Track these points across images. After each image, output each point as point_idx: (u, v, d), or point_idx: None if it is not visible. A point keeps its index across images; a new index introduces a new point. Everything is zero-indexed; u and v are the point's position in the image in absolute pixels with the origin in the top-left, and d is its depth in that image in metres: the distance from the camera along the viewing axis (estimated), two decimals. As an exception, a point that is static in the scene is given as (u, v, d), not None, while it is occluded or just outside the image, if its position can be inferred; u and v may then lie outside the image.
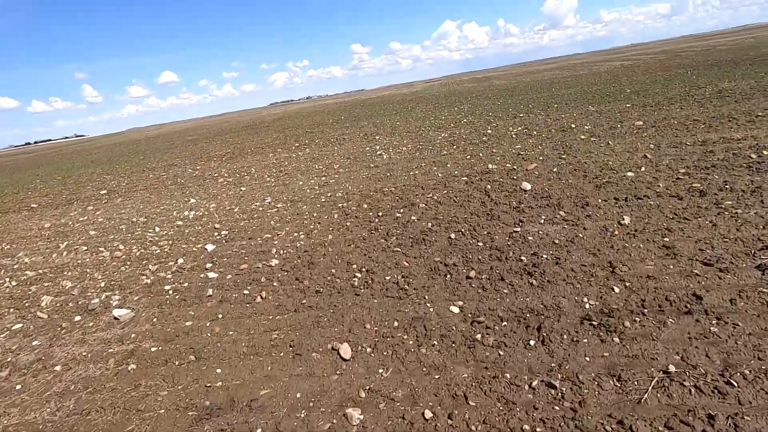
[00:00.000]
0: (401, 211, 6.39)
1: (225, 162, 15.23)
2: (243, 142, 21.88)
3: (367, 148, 12.67)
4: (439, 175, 8.10)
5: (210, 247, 6.38)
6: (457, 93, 34.99)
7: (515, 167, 7.71)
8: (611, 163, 6.94)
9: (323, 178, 9.56)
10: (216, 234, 6.96)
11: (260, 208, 8.02)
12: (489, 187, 6.78)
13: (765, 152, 6.26)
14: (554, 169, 7.14)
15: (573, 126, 10.86)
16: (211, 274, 5.36)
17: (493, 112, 16.92)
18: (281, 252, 5.67)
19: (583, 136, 9.44)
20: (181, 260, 6.08)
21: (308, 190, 8.72)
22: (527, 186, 6.42)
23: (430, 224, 5.64)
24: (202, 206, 9.04)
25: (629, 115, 11.27)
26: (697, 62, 27.02)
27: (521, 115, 14.75)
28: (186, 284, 5.22)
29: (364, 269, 4.67)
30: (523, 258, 4.23)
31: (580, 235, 4.51)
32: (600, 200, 5.44)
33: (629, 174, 6.24)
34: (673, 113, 10.61)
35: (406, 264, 4.58)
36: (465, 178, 7.55)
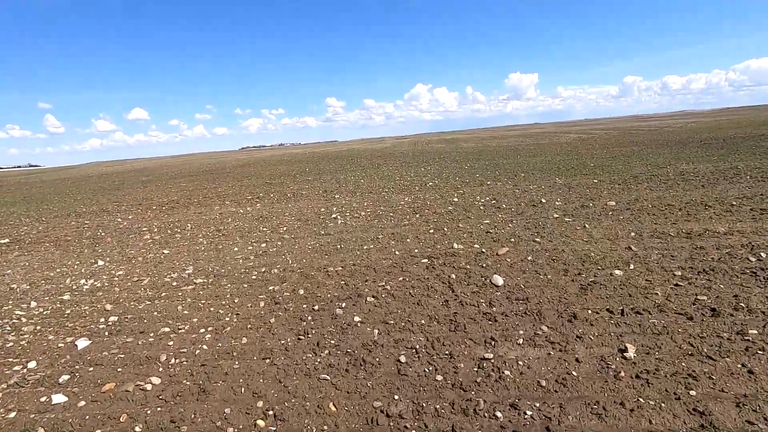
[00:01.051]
0: (343, 305, 5.05)
1: (164, 212, 13.55)
2: (195, 189, 20.24)
3: (323, 209, 11.45)
4: (397, 253, 6.91)
5: (82, 344, 4.73)
6: (425, 153, 35.19)
7: (484, 250, 6.64)
8: (593, 255, 5.99)
9: (264, 245, 8.15)
10: (101, 320, 5.30)
11: (174, 283, 6.45)
12: (454, 277, 5.61)
13: (763, 255, 5.49)
14: (529, 257, 6.11)
15: (543, 200, 10.15)
16: (57, 398, 3.72)
17: (460, 176, 16.34)
18: (171, 362, 4.13)
19: (555, 215, 8.64)
20: (33, 363, 4.39)
21: (241, 261, 7.26)
22: (499, 280, 5.28)
23: (376, 332, 4.31)
24: (106, 273, 7.34)
25: (599, 192, 10.75)
26: (648, 141, 28.39)
27: (489, 182, 14.15)
28: (12, 415, 3.55)
29: (271, 412, 3.22)
30: (498, 413, 2.94)
31: (574, 374, 3.31)
32: (590, 311, 4.34)
33: (617, 272, 5.26)
34: (643, 194, 10.15)
35: (333, 409, 3.17)
36: (426, 261, 6.38)
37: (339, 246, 7.62)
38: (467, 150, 34.36)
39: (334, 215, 10.41)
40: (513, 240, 7.08)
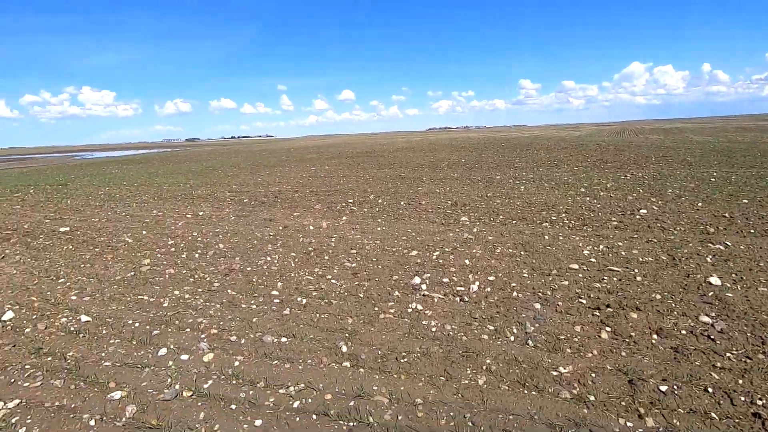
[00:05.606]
0: None
1: (180, 202, 10.64)
2: (284, 174, 17.48)
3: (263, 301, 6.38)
4: None
5: None
6: (633, 146, 25.31)
7: None
8: None
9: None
10: None
11: None
12: None
13: None
14: None
15: None
16: None
17: (709, 217, 8.52)
18: None
19: None
20: None
21: None
22: None
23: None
24: None
25: None
26: None
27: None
28: None
29: None
30: None
31: None
32: None
33: None
34: None
35: None
36: None
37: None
38: (703, 145, 22.99)
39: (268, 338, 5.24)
40: None
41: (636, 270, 5.17)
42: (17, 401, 3.20)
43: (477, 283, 5.01)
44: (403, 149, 34.77)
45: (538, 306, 4.34)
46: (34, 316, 4.77)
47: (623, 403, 2.84)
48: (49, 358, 3.83)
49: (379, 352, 3.60)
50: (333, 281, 5.33)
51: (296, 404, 3.01)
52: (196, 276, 5.83)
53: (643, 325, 3.88)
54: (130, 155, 58.94)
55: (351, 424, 2.78)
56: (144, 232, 8.63)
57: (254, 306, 4.70)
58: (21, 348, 4.05)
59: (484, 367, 3.32)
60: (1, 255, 7.50)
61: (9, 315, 4.81)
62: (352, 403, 2.97)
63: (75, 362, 3.73)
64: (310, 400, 3.04)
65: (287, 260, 6.33)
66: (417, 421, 2.78)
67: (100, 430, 2.85)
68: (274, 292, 5.04)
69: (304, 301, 4.77)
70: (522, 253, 6.09)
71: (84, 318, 4.61)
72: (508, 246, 6.44)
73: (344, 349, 3.68)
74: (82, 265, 6.63)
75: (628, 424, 2.66)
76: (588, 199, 9.63)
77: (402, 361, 3.46)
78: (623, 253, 5.83)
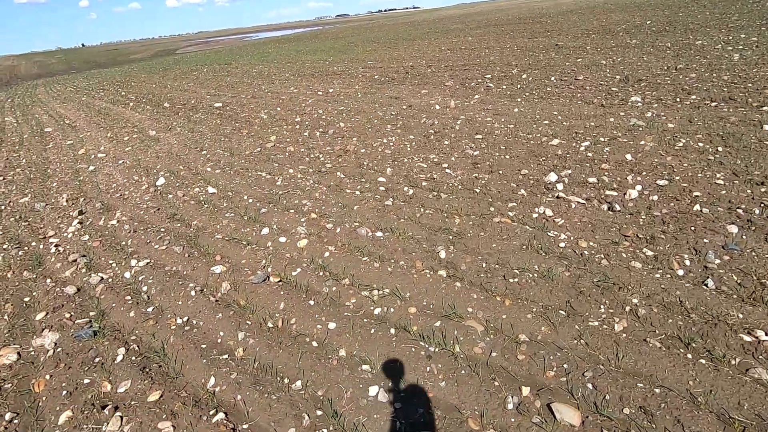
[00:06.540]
0: None
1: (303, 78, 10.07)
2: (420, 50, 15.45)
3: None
4: None
5: None
6: None
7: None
8: None
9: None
10: None
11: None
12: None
13: None
14: None
15: None
16: None
17: None
18: None
19: None
20: None
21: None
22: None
23: None
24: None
25: None
26: None
27: None
28: None
29: None
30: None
31: None
32: None
33: None
34: None
35: None
36: None
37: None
38: None
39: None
40: None
41: None
42: (147, 260, 3.58)
43: (639, 187, 3.70)
44: (567, 12, 28.39)
45: (733, 230, 2.97)
46: (177, 184, 5.31)
47: None
48: (178, 224, 4.20)
49: (484, 265, 2.93)
50: (448, 171, 4.60)
51: (377, 311, 2.66)
52: (312, 155, 5.71)
53: None
54: (286, 35, 62.12)
55: (432, 349, 2.32)
56: (278, 109, 8.88)
57: (358, 192, 4.35)
58: (162, 212, 4.56)
59: (628, 308, 2.41)
60: (169, 127, 8.60)
61: (161, 181, 5.45)
62: (438, 324, 2.48)
63: (195, 231, 4.00)
64: (392, 310, 2.65)
65: (403, 143, 5.72)
66: (515, 364, 2.16)
67: (198, 301, 2.98)
68: (382, 179, 4.59)
69: (411, 191, 4.22)
70: (720, 149, 4.29)
71: (211, 189, 4.93)
72: (699, 138, 4.62)
73: (443, 254, 3.10)
74: (223, 139, 7.15)
75: None
76: None
77: (511, 280, 2.75)
78: None
